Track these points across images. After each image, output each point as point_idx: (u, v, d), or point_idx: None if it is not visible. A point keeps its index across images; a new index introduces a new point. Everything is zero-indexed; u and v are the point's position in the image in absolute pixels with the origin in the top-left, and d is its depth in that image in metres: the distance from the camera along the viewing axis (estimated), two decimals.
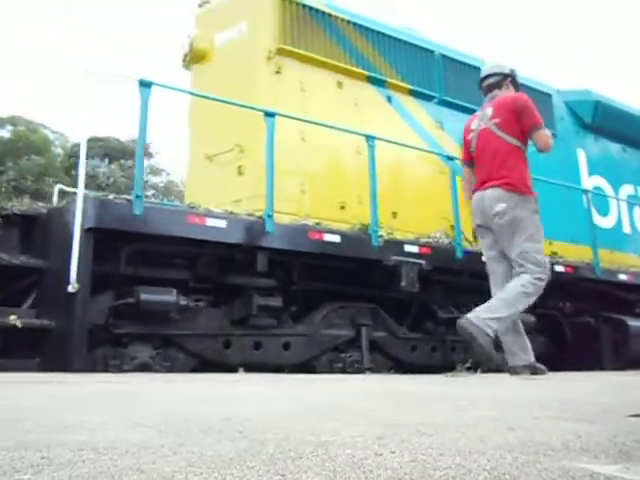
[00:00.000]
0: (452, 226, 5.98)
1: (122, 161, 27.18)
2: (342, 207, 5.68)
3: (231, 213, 4.78)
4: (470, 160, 4.89)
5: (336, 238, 5.05)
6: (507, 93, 4.76)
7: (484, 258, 4.84)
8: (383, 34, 6.41)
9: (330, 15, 6.04)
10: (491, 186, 4.53)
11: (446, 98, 6.78)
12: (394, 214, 5.79)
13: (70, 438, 1.34)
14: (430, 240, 5.80)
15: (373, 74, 6.25)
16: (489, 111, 4.70)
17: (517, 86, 4.92)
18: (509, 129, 4.54)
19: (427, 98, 6.68)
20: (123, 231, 4.23)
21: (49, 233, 4.48)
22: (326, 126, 5.36)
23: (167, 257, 4.74)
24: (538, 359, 4.69)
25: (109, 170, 27.04)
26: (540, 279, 4.47)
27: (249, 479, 0.99)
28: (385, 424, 1.66)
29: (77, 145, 26.50)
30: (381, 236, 5.32)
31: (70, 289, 3.95)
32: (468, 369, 4.85)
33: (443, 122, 6.74)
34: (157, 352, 4.49)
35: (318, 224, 5.18)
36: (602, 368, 6.83)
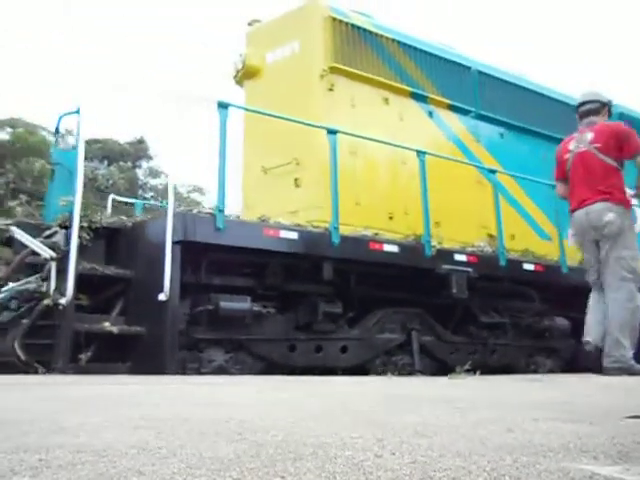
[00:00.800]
0: (490, 235, 6.43)
1: (121, 163, 27.19)
2: (390, 217, 6.05)
3: (298, 225, 5.11)
4: (564, 177, 5.38)
5: (394, 248, 5.40)
6: (603, 120, 5.29)
7: (589, 273, 5.20)
8: (424, 51, 6.77)
9: (377, 34, 6.42)
10: (597, 200, 5.03)
11: (482, 112, 7.13)
12: (437, 223, 6.00)
13: (69, 440, 1.34)
14: (475, 249, 6.16)
15: (416, 90, 6.63)
16: (589, 135, 5.18)
17: (611, 114, 5.47)
18: (610, 152, 5.05)
19: (465, 112, 7.03)
20: (207, 243, 4.54)
21: (135, 245, 4.81)
22: (381, 142, 5.75)
23: (238, 266, 5.03)
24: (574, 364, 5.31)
25: (108, 172, 27.06)
26: (632, 283, 4.90)
27: None
28: (384, 426, 1.66)
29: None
30: (433, 246, 5.64)
31: (162, 297, 4.20)
32: (467, 371, 4.86)
33: (479, 135, 7.13)
34: (229, 356, 4.75)
35: (376, 234, 5.55)
36: None
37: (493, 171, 6.51)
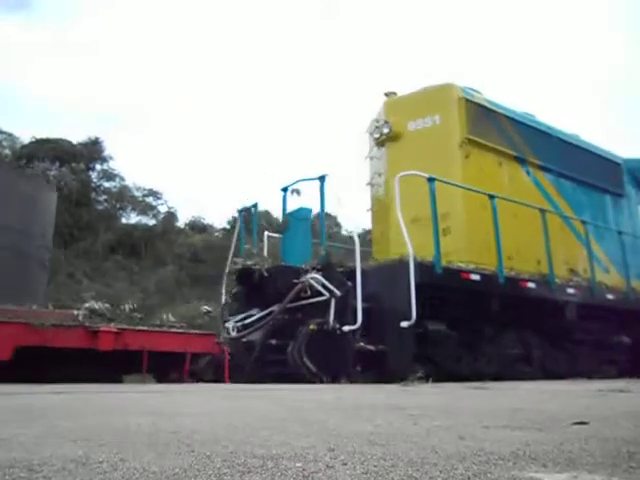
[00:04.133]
0: (571, 269, 8.08)
1: (73, 165, 26.27)
2: (509, 258, 7.15)
3: (477, 267, 6.50)
4: None
5: (533, 285, 6.96)
6: None
7: None
8: (522, 122, 8.29)
9: (492, 110, 7.92)
10: None
11: (561, 171, 8.72)
12: (538, 262, 7.50)
13: (1, 455, 1.25)
14: (574, 282, 7.71)
15: (518, 154, 8.11)
16: None
17: None
18: None
19: (549, 170, 8.57)
20: (430, 284, 5.80)
21: (378, 283, 5.88)
22: (511, 201, 7.25)
23: (435, 299, 6.05)
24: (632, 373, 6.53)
25: (60, 174, 26.13)
26: None
27: None
28: (337, 435, 1.64)
29: (26, 146, 25.48)
30: (556, 282, 7.25)
31: (404, 324, 5.42)
32: (419, 379, 4.91)
33: (560, 189, 8.72)
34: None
35: (519, 274, 7.10)
36: None
37: (585, 222, 8.26)
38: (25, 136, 26.03)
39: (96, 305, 5.37)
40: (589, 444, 1.54)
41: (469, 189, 6.86)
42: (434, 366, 5.76)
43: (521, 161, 8.13)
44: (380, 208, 7.87)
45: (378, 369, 5.60)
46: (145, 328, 5.66)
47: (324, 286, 5.84)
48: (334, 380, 5.42)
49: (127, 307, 5.92)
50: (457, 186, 6.80)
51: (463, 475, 1.13)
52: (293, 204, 7.38)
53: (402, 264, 5.73)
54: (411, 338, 5.60)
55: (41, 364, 4.74)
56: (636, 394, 3.87)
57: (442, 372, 5.72)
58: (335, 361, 5.60)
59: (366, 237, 10.39)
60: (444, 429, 1.82)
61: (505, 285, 6.60)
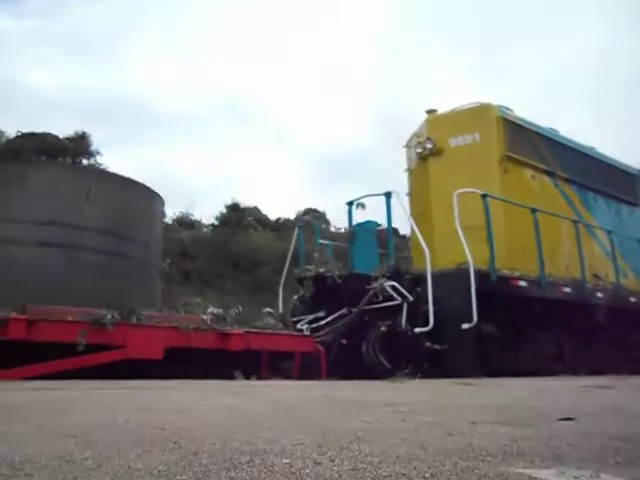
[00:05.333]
0: (594, 275, 8.57)
1: (60, 159, 25.91)
2: (544, 264, 7.79)
3: (522, 274, 7.18)
4: None
5: (568, 289, 7.73)
6: None
7: None
8: (549, 137, 8.89)
9: (525, 127, 8.51)
10: None
11: (584, 182, 9.30)
12: (567, 268, 8.22)
13: None
14: (601, 287, 8.43)
15: (548, 168, 8.70)
16: None
17: None
18: None
19: (573, 182, 9.13)
20: (486, 290, 6.39)
21: (439, 288, 6.35)
22: (550, 214, 7.97)
23: (486, 303, 6.49)
24: None
25: None
26: None
27: None
28: (325, 431, 1.63)
29: (12, 140, 25.10)
30: (587, 287, 7.96)
31: (465, 326, 6.05)
32: (407, 375, 4.93)
33: (586, 202, 9.40)
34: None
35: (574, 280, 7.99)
36: None
37: (610, 232, 8.89)
38: (10, 130, 25.70)
39: (215, 310, 6.13)
40: (576, 440, 1.55)
41: (515, 204, 7.54)
42: (483, 363, 6.34)
43: (550, 174, 8.78)
44: (422, 217, 8.20)
45: (440, 367, 6.17)
46: (267, 331, 6.38)
47: (397, 291, 6.45)
48: (406, 376, 5.70)
49: (234, 311, 6.54)
50: (506, 202, 7.51)
51: (451, 471, 1.13)
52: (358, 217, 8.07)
53: (461, 271, 6.39)
54: (472, 339, 6.23)
55: (183, 362, 5.36)
56: (619, 390, 3.91)
57: (490, 369, 6.26)
58: (405, 359, 6.11)
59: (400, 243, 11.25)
60: (432, 425, 1.82)
61: (545, 290, 7.35)
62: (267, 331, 6.29)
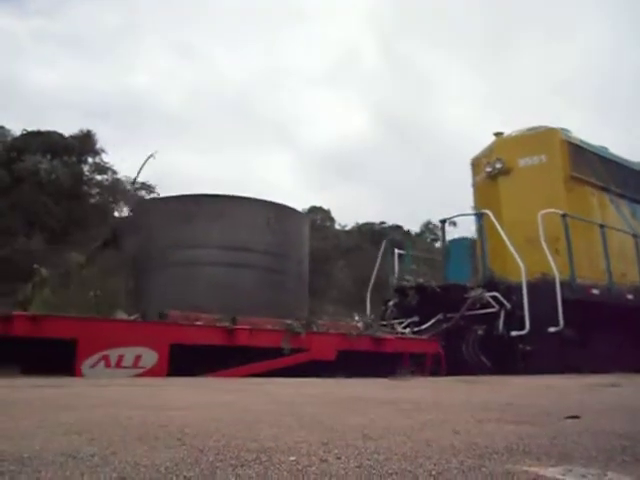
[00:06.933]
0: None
1: (65, 157, 26.00)
2: (604, 273, 8.57)
3: (595, 283, 8.11)
4: None
5: (631, 296, 8.65)
6: None
7: None
8: (603, 156, 9.67)
9: (584, 148, 9.30)
10: None
11: (633, 196, 10.17)
12: (623, 275, 8.93)
13: None
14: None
15: (604, 185, 9.48)
16: None
17: None
18: None
19: (624, 197, 9.97)
20: (567, 297, 7.19)
21: (533, 296, 7.07)
22: (615, 229, 8.98)
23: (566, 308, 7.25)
24: None
25: (51, 167, 25.86)
26: None
27: None
28: (330, 429, 1.63)
29: (18, 139, 25.19)
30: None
31: (552, 330, 6.85)
32: (411, 372, 4.92)
33: (636, 213, 10.21)
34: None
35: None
36: None
37: None
38: (16, 129, 25.81)
39: (357, 316, 7.44)
40: (582, 438, 1.54)
41: (588, 221, 8.57)
42: (562, 363, 6.98)
43: (606, 190, 9.56)
44: (492, 230, 8.76)
45: (527, 365, 6.86)
46: (408, 336, 7.44)
47: (496, 300, 7.31)
48: (504, 373, 6.48)
49: (370, 318, 7.63)
50: (583, 220, 8.47)
51: (457, 469, 1.13)
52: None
53: (545, 281, 7.33)
54: (557, 341, 6.99)
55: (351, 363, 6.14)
56: (626, 388, 3.90)
57: (568, 368, 6.78)
58: (502, 359, 7.06)
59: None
60: (437, 423, 1.81)
61: (613, 297, 8.26)
62: (408, 336, 7.39)
